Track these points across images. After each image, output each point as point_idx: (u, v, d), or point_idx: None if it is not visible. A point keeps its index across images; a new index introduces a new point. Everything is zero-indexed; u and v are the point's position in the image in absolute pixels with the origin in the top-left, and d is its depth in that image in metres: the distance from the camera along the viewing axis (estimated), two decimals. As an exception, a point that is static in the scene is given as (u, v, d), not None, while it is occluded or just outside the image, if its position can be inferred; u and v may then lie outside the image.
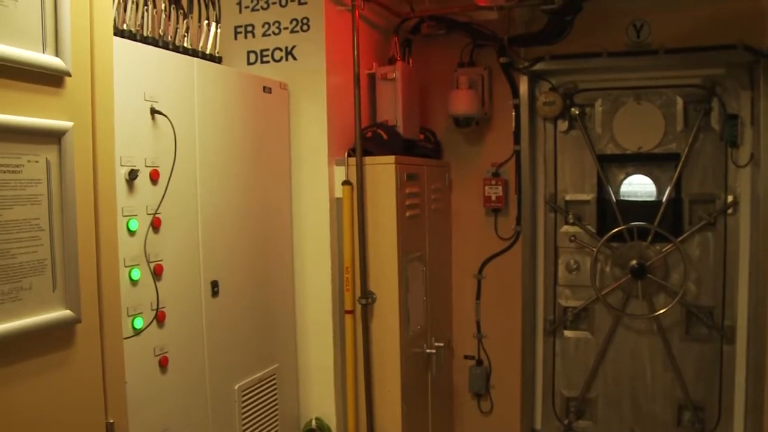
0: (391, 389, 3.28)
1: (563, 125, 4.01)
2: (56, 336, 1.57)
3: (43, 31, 1.50)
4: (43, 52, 1.51)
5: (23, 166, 1.46)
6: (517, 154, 4.00)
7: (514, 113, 3.99)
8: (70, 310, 1.58)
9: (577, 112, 3.93)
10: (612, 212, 3.92)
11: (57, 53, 1.53)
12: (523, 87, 3.97)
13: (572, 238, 4.00)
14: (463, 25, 3.87)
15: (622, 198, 3.95)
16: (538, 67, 3.90)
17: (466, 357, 4.25)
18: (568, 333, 4.09)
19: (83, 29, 1.63)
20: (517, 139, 4.00)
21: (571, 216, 3.99)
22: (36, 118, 1.49)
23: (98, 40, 1.68)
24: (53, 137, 1.53)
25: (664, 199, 3.83)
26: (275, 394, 3.04)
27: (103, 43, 1.71)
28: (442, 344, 3.76)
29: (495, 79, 4.05)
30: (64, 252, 1.57)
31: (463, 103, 3.90)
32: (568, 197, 4.04)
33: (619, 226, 3.85)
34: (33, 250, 1.49)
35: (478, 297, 4.20)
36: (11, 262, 1.44)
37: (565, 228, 4.04)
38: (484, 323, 4.20)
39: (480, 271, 4.18)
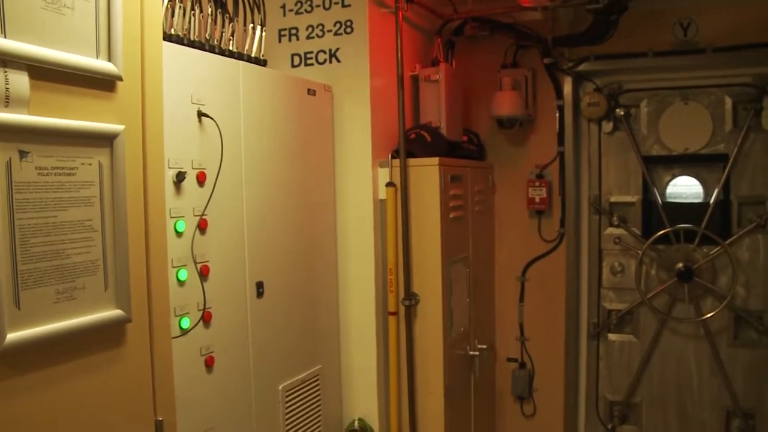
0: (433, 391, 3.27)
1: (608, 126, 3.97)
2: (108, 335, 1.60)
3: (96, 37, 1.54)
4: (97, 58, 1.54)
5: (77, 168, 1.50)
6: (561, 155, 3.98)
7: (558, 114, 3.97)
8: (121, 309, 1.61)
9: (622, 113, 3.89)
10: (657, 214, 3.87)
11: (109, 58, 1.57)
12: (568, 88, 3.94)
13: (617, 240, 3.96)
14: (506, 26, 3.86)
15: (668, 200, 3.89)
16: (583, 67, 3.87)
17: (509, 360, 4.23)
18: (612, 336, 4.05)
19: (134, 35, 1.66)
20: (561, 141, 3.97)
21: (615, 218, 3.95)
22: (90, 122, 1.52)
23: (148, 45, 1.72)
24: (105, 140, 1.57)
25: (711, 200, 3.76)
26: (318, 395, 3.06)
27: (153, 48, 1.74)
28: (485, 346, 3.74)
29: (539, 80, 4.03)
30: (115, 252, 1.60)
31: (506, 104, 3.88)
32: (612, 199, 4.00)
33: (665, 228, 3.80)
34: (86, 251, 1.52)
35: (521, 299, 4.17)
36: (66, 262, 1.47)
37: (610, 230, 4.00)
38: (527, 326, 4.17)
39: (523, 273, 4.15)
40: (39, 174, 1.41)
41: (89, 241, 1.53)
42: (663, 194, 3.89)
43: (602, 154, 4.02)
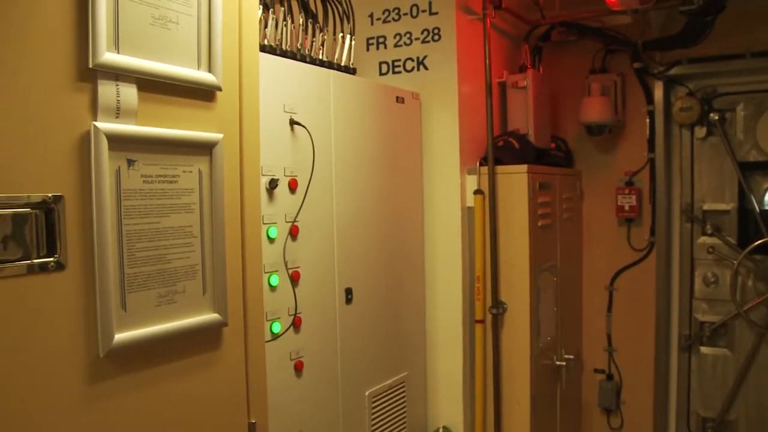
0: (520, 400, 3.24)
1: (701, 132, 3.84)
2: (205, 338, 1.65)
3: (198, 50, 1.59)
4: (198, 69, 1.59)
5: (179, 176, 1.55)
6: (652, 162, 3.88)
7: (648, 120, 3.87)
8: (218, 313, 1.65)
9: (716, 118, 3.76)
10: (755, 223, 3.71)
11: (210, 69, 1.61)
12: (658, 92, 3.84)
13: (710, 249, 3.82)
14: (594, 30, 3.79)
15: (766, 207, 3.73)
16: (675, 71, 3.77)
17: (596, 371, 4.14)
18: (704, 349, 3.90)
19: (232, 46, 1.71)
20: (651, 147, 3.88)
21: (709, 226, 3.82)
22: (191, 131, 1.57)
23: (245, 55, 1.76)
24: (205, 149, 1.61)
25: (815, 209, 3.60)
26: (404, 402, 3.06)
27: (250, 59, 1.78)
28: (571, 357, 3.68)
29: (628, 85, 3.94)
30: (213, 258, 1.64)
31: (595, 110, 3.81)
32: (705, 207, 3.86)
33: (763, 237, 3.64)
34: (186, 256, 1.57)
35: (609, 309, 4.08)
36: (168, 267, 1.52)
37: (703, 239, 3.87)
38: (615, 336, 4.08)
39: (612, 282, 4.06)
40: (144, 182, 1.46)
41: (189, 246, 1.58)
42: (761, 202, 3.74)
43: (695, 161, 3.90)
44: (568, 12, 3.74)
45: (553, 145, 3.86)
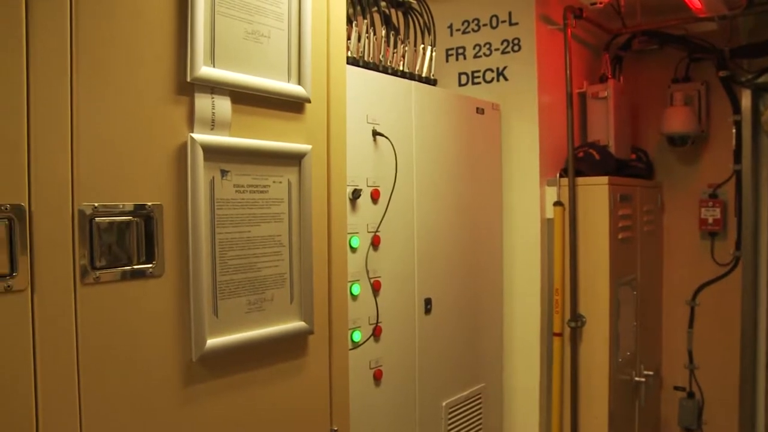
0: (597, 416, 3.18)
1: (792, 142, 3.71)
2: (292, 345, 1.68)
3: (288, 63, 1.63)
4: (288, 81, 1.63)
5: (269, 186, 1.59)
6: (738, 173, 3.75)
7: (734, 130, 3.75)
8: (305, 321, 1.69)
9: (810, 127, 3.62)
10: None
11: (299, 82, 1.65)
12: (746, 101, 3.71)
13: (801, 265, 3.69)
14: (677, 38, 3.71)
15: None
16: (764, 79, 3.63)
17: (676, 388, 4.03)
18: (795, 370, 3.76)
19: (321, 59, 1.74)
20: (737, 158, 3.75)
21: (800, 241, 3.68)
22: (282, 143, 1.61)
23: (333, 68, 1.79)
24: (295, 159, 1.65)
25: None
26: (480, 414, 3.04)
27: (338, 71, 1.81)
28: (651, 373, 3.60)
29: (713, 95, 3.84)
30: (300, 266, 1.67)
31: (678, 120, 3.73)
32: (796, 220, 3.73)
33: None
34: (275, 264, 1.61)
35: (690, 325, 3.97)
36: (257, 275, 1.56)
37: (793, 254, 3.73)
38: (696, 353, 3.96)
39: (693, 297, 3.95)
40: (236, 191, 1.51)
41: (278, 255, 1.62)
42: None
43: (785, 172, 3.77)
44: (651, 20, 3.67)
45: (633, 157, 3.80)
